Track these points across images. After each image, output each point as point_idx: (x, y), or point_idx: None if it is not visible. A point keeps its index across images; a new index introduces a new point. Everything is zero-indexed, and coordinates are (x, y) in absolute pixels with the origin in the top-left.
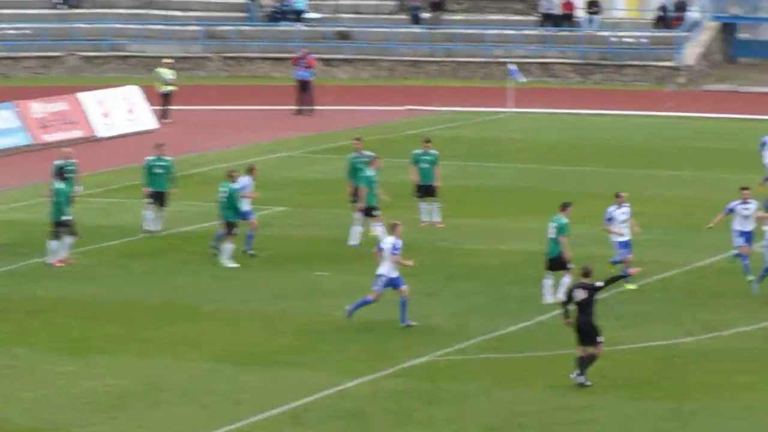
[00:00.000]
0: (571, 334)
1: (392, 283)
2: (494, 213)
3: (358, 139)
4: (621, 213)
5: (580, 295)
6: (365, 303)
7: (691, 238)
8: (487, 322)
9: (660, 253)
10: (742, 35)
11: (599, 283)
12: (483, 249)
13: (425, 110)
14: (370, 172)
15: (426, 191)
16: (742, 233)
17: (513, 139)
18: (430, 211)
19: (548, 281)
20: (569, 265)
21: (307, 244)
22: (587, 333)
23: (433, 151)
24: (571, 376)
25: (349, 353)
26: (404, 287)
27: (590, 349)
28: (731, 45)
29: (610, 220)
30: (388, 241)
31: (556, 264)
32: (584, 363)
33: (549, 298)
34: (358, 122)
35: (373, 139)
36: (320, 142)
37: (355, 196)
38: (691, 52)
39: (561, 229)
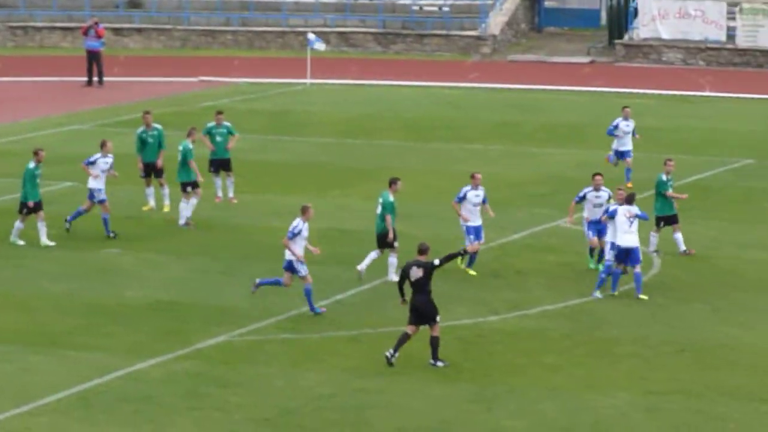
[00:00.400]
0: (370, 313)
1: (291, 268)
2: (291, 189)
3: (147, 112)
4: (475, 195)
5: (417, 273)
6: (276, 283)
7: (496, 214)
8: (284, 302)
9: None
10: (549, 4)
11: (436, 261)
12: (279, 226)
13: (220, 82)
14: (189, 144)
15: (220, 165)
16: (592, 223)
17: (311, 112)
18: (225, 187)
19: (374, 254)
20: (395, 244)
21: (97, 221)
22: (425, 312)
23: (226, 123)
24: (387, 352)
25: (141, 334)
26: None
27: (428, 330)
28: (537, 14)
29: (462, 198)
30: (293, 224)
31: (384, 241)
32: (402, 341)
33: (363, 267)
34: (151, 94)
35: (167, 112)
36: (111, 115)
37: (144, 170)
38: (496, 21)
39: (386, 207)
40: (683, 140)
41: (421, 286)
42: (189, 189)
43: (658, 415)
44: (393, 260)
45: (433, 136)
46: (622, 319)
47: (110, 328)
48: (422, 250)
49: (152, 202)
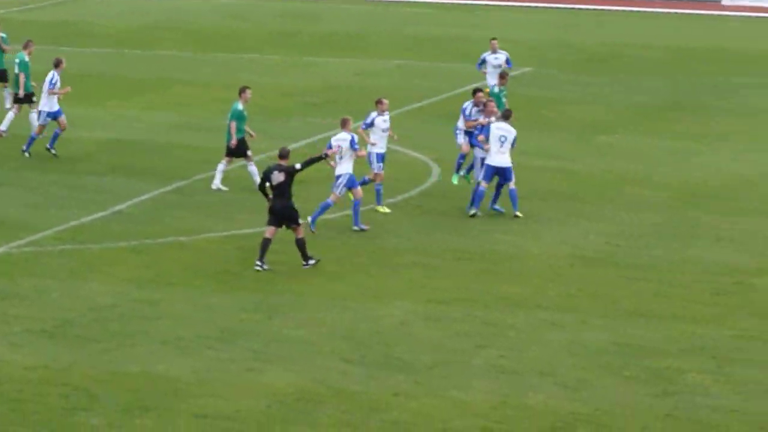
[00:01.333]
0: (150, 224)
1: (352, 183)
2: (70, 100)
3: None
4: (383, 121)
5: (278, 177)
6: (327, 207)
7: (274, 125)
8: (62, 213)
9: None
10: None
11: (297, 165)
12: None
13: None
14: (26, 57)
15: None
16: (468, 133)
17: (89, 23)
18: (2, 98)
19: (221, 166)
20: (248, 153)
21: None
22: (286, 216)
23: (2, 34)
24: (256, 263)
25: None
26: (359, 188)
27: (291, 232)
28: None
29: (370, 125)
30: (343, 138)
31: (233, 150)
32: (265, 247)
33: (217, 183)
34: None
35: None
36: None
37: None
38: None
39: (232, 115)
40: (463, 50)
41: (283, 191)
42: (35, 98)
43: (439, 323)
44: (221, 167)
45: (212, 47)
46: (402, 228)
47: None
48: (283, 155)
49: None
